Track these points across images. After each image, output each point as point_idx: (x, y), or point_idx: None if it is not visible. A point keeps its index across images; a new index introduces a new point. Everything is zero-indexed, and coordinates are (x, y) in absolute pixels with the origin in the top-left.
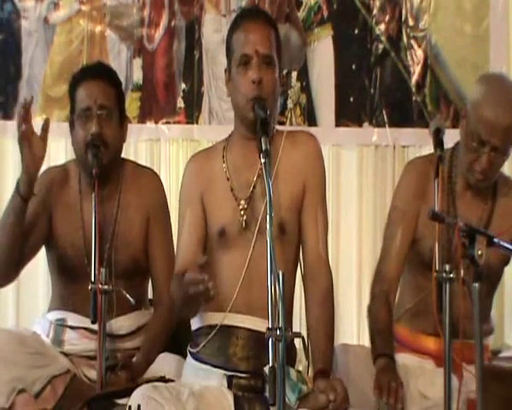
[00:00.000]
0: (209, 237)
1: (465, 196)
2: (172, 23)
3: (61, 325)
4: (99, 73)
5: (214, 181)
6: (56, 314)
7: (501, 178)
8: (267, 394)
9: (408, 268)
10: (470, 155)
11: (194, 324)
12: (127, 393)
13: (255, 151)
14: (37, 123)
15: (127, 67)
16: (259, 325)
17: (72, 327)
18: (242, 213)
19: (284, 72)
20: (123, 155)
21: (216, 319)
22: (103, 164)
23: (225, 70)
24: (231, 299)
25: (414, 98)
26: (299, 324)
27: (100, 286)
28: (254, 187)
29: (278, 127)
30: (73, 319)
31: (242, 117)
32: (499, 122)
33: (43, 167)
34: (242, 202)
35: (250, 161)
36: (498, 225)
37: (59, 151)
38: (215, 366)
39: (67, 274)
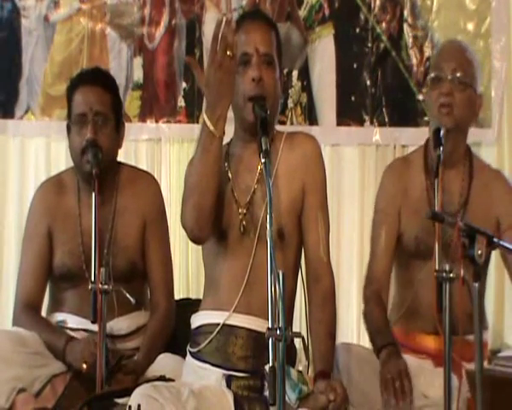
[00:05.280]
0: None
1: (444, 175)
2: (173, 22)
3: (61, 326)
4: (96, 78)
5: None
6: (57, 316)
7: (475, 158)
8: (267, 393)
9: (395, 266)
10: (434, 93)
11: (194, 323)
12: (127, 393)
13: (255, 155)
14: (38, 123)
15: (127, 66)
16: (259, 325)
17: (72, 329)
18: (241, 217)
19: (285, 71)
20: (123, 155)
21: (217, 318)
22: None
23: None
24: (232, 304)
25: (415, 97)
26: (299, 324)
27: (100, 286)
28: (254, 193)
29: (278, 128)
30: (74, 320)
31: (242, 119)
32: (453, 48)
33: (43, 168)
34: (242, 206)
35: (250, 165)
36: (476, 201)
37: (59, 150)
38: (214, 365)
39: (65, 280)
